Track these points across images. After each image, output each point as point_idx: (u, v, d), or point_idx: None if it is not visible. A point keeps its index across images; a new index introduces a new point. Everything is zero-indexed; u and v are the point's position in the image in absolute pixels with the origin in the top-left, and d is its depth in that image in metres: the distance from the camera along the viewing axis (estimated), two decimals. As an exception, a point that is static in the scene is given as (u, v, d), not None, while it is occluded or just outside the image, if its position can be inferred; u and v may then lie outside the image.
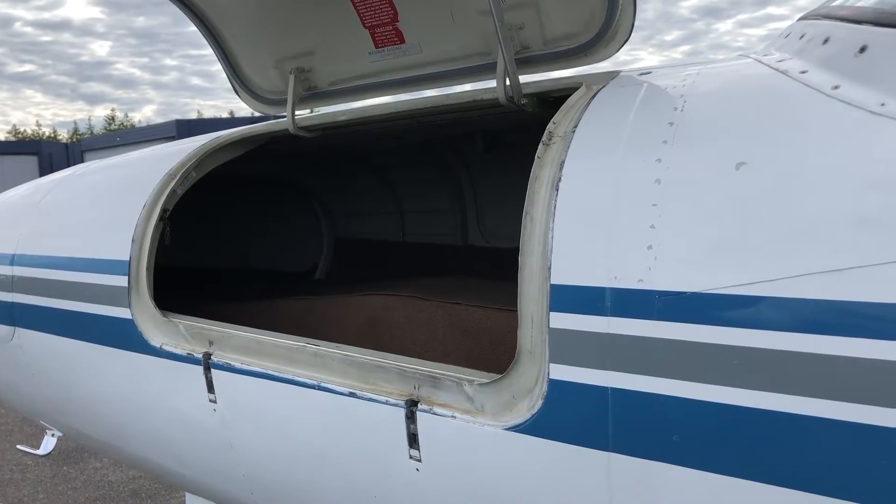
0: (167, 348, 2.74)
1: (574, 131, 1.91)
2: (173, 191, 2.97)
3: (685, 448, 1.64)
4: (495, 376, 1.97)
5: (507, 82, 2.31)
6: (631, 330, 1.68)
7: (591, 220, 1.77)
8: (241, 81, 3.13)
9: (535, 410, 1.85)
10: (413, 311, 3.22)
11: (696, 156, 1.69)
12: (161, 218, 2.93)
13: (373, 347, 2.91)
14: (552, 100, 2.37)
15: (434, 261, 4.60)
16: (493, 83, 2.46)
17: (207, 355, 2.60)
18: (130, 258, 2.86)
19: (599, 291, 1.72)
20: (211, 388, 2.62)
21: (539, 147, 1.95)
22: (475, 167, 4.36)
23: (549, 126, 1.98)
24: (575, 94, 2.08)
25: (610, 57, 2.28)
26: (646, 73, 2.10)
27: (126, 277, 2.85)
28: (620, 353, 1.69)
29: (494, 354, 2.99)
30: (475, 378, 2.00)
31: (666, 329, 1.63)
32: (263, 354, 2.51)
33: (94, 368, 3.12)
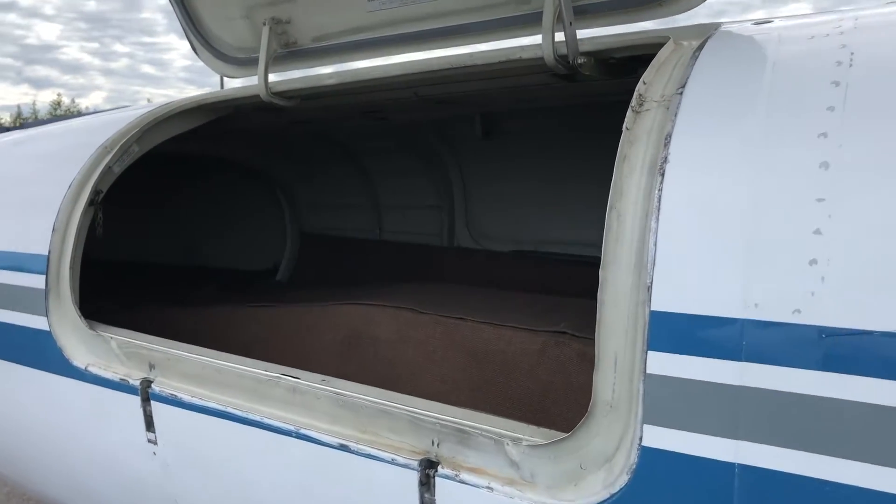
0: (94, 371, 2.15)
1: (681, 93, 1.36)
2: (108, 168, 2.35)
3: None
4: (555, 435, 1.42)
5: (559, 37, 1.75)
6: (779, 383, 1.17)
7: (717, 219, 1.23)
8: (200, 36, 2.52)
9: (617, 489, 1.32)
10: (405, 327, 2.64)
11: (887, 128, 1.15)
12: (92, 202, 2.32)
13: (354, 371, 2.35)
14: (614, 62, 1.83)
15: (414, 263, 4.02)
16: (528, 41, 1.92)
17: (147, 382, 2.02)
18: (50, 252, 2.25)
19: (730, 324, 1.20)
20: (150, 426, 2.04)
21: (627, 115, 1.40)
22: (467, 156, 3.80)
23: (639, 87, 1.43)
24: (663, 50, 1.53)
25: (693, 8, 1.75)
26: (764, 22, 1.56)
27: (43, 277, 2.25)
28: (760, 417, 1.19)
29: (507, 384, 2.44)
30: (522, 435, 1.45)
31: (836, 384, 1.12)
32: (222, 385, 1.92)
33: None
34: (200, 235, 4.50)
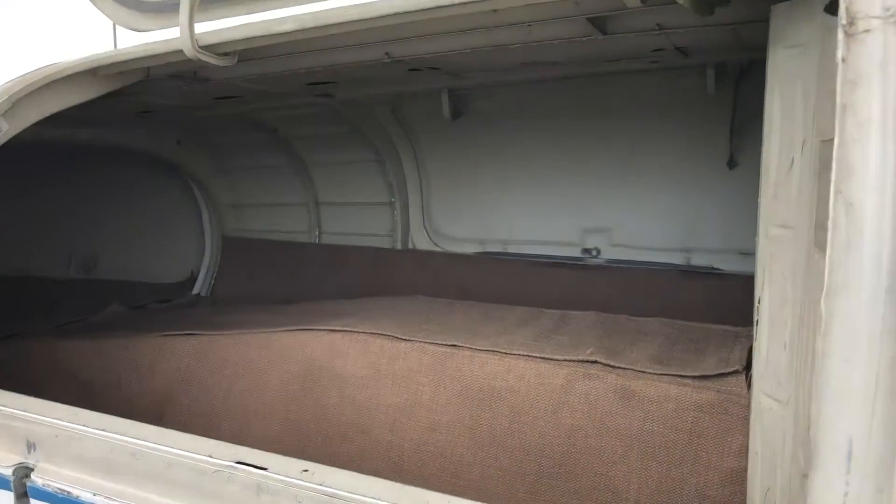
0: None
1: None
2: None
3: None
4: None
5: None
6: None
7: None
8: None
9: None
10: (379, 359, 2.05)
11: None
12: None
13: (311, 417, 1.77)
14: None
15: (362, 270, 3.42)
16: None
17: (24, 471, 1.37)
18: None
19: None
20: None
21: (839, 42, 0.85)
22: (427, 142, 3.23)
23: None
24: None
25: None
26: None
27: None
28: None
29: (519, 430, 1.89)
30: None
31: None
32: (141, 477, 1.28)
33: None
34: (98, 242, 3.77)
